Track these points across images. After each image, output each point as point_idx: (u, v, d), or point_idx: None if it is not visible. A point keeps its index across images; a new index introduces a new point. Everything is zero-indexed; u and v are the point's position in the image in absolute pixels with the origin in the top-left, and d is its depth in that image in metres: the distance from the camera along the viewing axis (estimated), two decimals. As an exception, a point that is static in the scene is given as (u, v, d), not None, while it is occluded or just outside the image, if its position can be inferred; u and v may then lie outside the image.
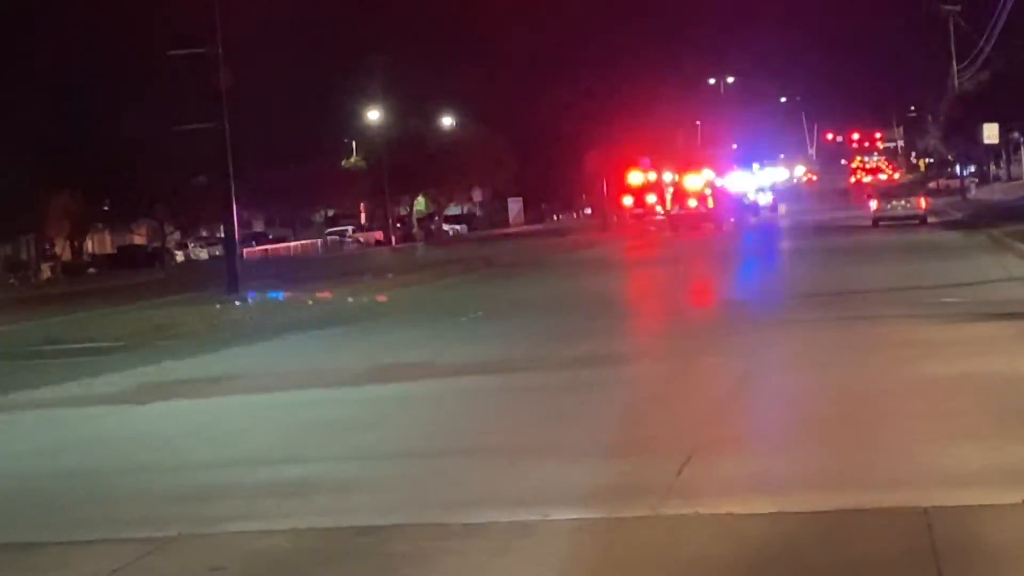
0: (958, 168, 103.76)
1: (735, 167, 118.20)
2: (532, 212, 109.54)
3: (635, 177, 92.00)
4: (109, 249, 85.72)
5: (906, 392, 12.29)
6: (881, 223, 52.87)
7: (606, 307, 25.30)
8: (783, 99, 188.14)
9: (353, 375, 16.49)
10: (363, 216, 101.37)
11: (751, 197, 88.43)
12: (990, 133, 65.41)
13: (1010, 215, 44.35)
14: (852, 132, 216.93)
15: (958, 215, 57.57)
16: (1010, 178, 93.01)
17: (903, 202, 56.57)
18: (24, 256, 76.08)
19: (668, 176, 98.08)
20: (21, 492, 10.75)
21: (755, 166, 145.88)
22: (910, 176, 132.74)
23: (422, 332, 22.00)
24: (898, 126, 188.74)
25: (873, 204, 56.92)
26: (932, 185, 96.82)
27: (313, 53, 72.36)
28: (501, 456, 10.58)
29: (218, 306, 30.32)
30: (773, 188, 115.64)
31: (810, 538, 7.53)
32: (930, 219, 54.61)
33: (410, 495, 9.42)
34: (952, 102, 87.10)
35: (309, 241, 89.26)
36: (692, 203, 71.64)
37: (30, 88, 57.77)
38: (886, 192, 63.45)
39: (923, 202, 57.05)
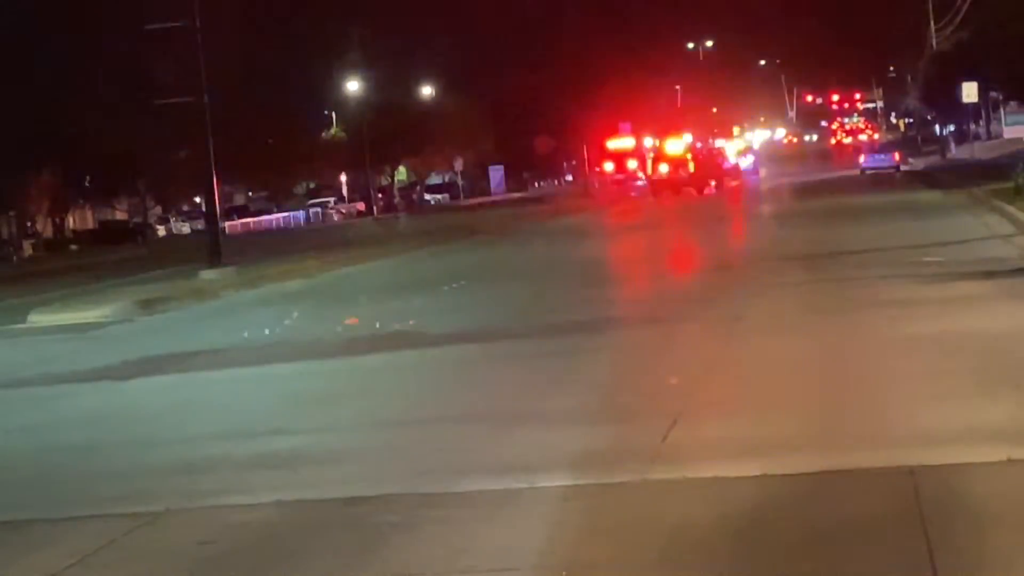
0: (937, 128, 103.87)
1: (715, 131, 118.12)
2: (514, 180, 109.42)
3: (615, 143, 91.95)
4: (91, 225, 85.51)
5: (889, 352, 12.32)
6: (867, 172, 71.81)
7: (589, 273, 25.28)
8: (762, 62, 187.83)
9: (337, 346, 16.49)
10: (344, 187, 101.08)
11: (732, 160, 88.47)
12: (969, 92, 65.52)
13: (991, 173, 44.35)
14: (832, 94, 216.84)
15: (919, 168, 73.66)
16: (990, 136, 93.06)
17: (882, 156, 77.28)
18: (5, 234, 75.85)
19: (648, 141, 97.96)
20: (7, 469, 10.75)
21: (735, 129, 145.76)
22: (890, 136, 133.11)
23: (406, 302, 21.96)
24: (877, 87, 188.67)
25: (861, 159, 76.85)
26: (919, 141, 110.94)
27: (291, 24, 72.08)
28: (487, 424, 10.58)
29: (200, 280, 30.25)
30: (753, 151, 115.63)
31: (797, 500, 7.55)
32: (903, 167, 73.32)
33: (396, 465, 9.43)
34: (931, 62, 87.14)
35: (291, 213, 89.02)
36: (673, 168, 71.58)
37: (6, 65, 57.43)
38: (870, 148, 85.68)
39: (897, 156, 77.55)
